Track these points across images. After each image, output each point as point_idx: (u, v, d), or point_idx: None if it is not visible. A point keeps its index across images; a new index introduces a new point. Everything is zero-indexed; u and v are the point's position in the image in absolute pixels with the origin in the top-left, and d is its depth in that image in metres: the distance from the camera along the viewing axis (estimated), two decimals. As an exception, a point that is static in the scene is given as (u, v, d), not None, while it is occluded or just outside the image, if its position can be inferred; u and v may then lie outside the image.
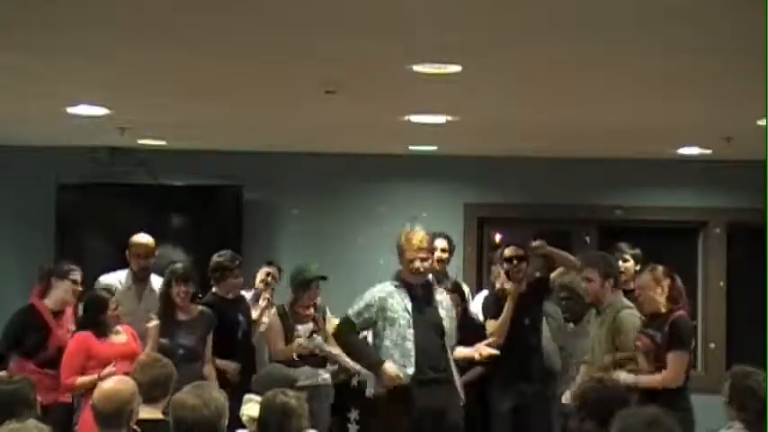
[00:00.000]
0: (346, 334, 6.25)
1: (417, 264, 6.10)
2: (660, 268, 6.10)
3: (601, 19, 4.07)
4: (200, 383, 4.20)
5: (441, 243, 7.13)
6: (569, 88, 5.73)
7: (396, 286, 6.17)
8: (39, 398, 5.96)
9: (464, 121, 6.90)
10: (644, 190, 9.30)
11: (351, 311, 6.20)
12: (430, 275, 6.31)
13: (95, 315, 6.26)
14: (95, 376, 6.04)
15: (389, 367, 6.00)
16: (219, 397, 4.03)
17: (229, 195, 9.07)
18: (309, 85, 5.63)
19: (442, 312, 6.19)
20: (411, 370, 6.00)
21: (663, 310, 6.00)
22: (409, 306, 6.09)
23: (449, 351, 6.20)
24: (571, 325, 7.18)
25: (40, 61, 5.14)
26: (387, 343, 6.07)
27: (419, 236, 6.14)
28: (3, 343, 6.59)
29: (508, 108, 6.56)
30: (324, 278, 6.88)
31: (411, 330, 6.04)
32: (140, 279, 7.18)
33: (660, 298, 6.02)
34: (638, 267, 7.19)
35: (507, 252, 6.95)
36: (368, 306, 6.15)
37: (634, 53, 4.72)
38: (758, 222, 8.81)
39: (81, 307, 6.71)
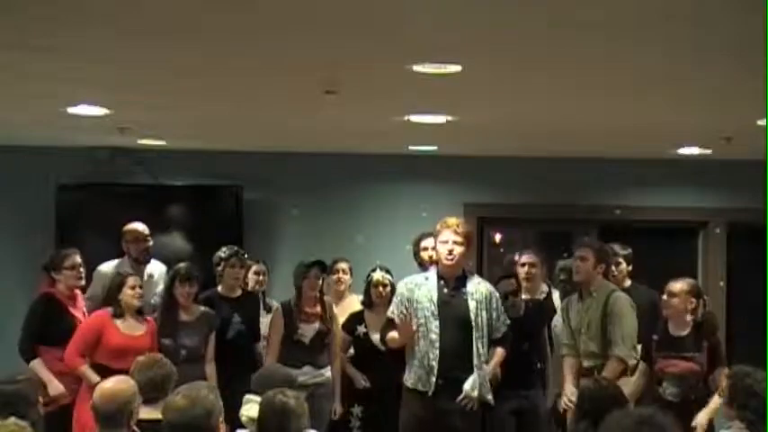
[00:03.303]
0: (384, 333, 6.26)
1: (441, 258, 6.01)
2: (691, 285, 6.18)
3: (601, 19, 4.07)
4: (191, 384, 4.18)
5: (432, 242, 7.05)
6: (569, 88, 5.73)
7: (426, 278, 6.11)
8: (70, 391, 6.04)
9: (464, 121, 6.90)
10: (644, 190, 9.31)
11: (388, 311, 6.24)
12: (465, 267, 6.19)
13: (111, 296, 6.39)
14: (95, 380, 6.08)
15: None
16: (209, 395, 4.01)
17: (229, 195, 9.08)
18: (309, 85, 5.63)
19: (472, 304, 6.01)
20: (431, 382, 5.94)
21: (688, 328, 6.12)
22: (435, 298, 5.99)
23: (476, 346, 5.99)
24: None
25: (40, 61, 5.14)
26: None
27: (444, 223, 6.08)
28: (28, 337, 6.57)
29: (508, 108, 6.56)
30: (322, 263, 6.89)
31: (437, 323, 5.95)
32: (140, 263, 7.21)
33: (688, 311, 6.14)
34: (629, 268, 7.21)
35: (522, 259, 7.04)
36: (399, 298, 6.15)
37: (634, 53, 4.72)
38: (758, 222, 8.81)
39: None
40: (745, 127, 6.76)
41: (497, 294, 6.22)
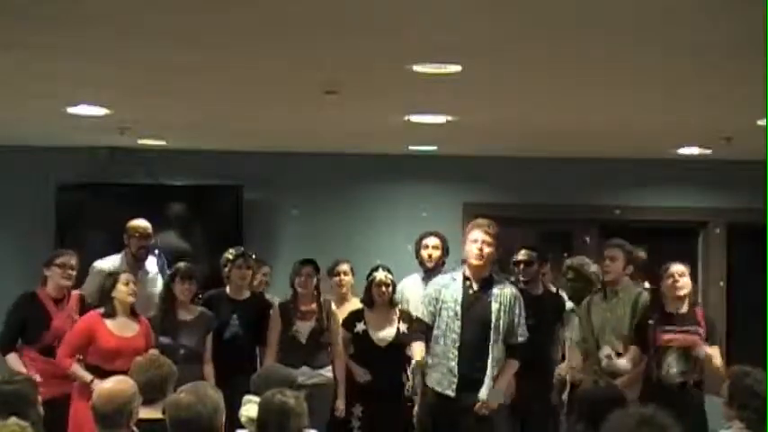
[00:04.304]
0: (414, 334, 6.24)
1: (470, 256, 5.99)
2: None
3: (601, 19, 4.07)
4: (195, 383, 4.20)
5: (432, 241, 7.17)
6: (569, 88, 5.73)
7: (453, 278, 6.08)
8: (43, 391, 6.01)
9: (464, 121, 6.90)
10: (644, 190, 9.31)
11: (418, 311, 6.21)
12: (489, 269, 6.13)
13: (104, 295, 6.33)
14: (88, 377, 6.06)
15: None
16: (214, 395, 4.03)
17: (229, 195, 9.07)
18: (309, 85, 5.63)
19: (495, 306, 5.96)
20: (453, 384, 5.92)
21: (685, 307, 6.20)
22: (460, 298, 5.97)
23: (492, 349, 5.95)
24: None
25: (40, 61, 5.14)
26: (436, 332, 5.99)
27: (475, 223, 6.09)
28: (6, 333, 6.62)
29: (508, 108, 6.56)
30: (314, 262, 6.90)
31: (459, 323, 5.94)
32: (138, 260, 7.20)
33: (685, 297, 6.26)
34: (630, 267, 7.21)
35: (519, 257, 7.08)
36: (427, 298, 6.11)
37: (634, 53, 4.72)
38: (758, 222, 8.81)
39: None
40: (745, 127, 6.76)
41: (521, 300, 6.14)
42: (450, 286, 6.03)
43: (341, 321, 7.00)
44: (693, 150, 8.42)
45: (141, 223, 7.37)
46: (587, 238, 9.39)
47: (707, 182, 9.20)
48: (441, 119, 6.83)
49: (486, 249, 5.96)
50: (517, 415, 6.82)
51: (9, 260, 8.96)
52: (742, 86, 5.42)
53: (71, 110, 6.68)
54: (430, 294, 6.09)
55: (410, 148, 8.75)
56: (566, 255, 8.38)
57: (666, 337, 6.12)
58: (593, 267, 7.10)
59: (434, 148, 8.72)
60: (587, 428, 4.38)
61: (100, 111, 6.72)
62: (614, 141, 8.04)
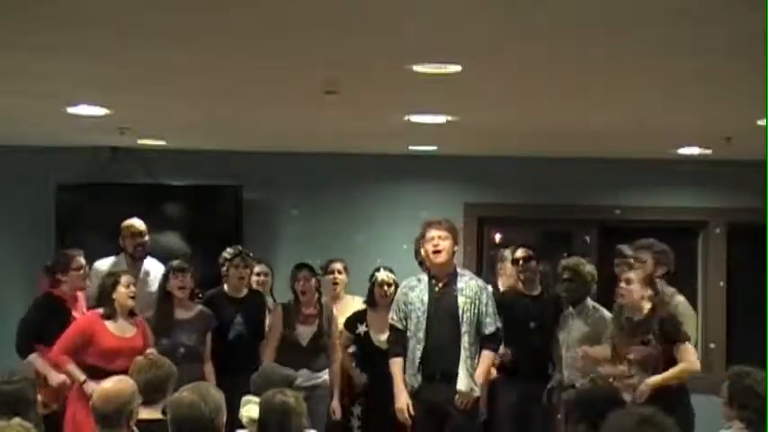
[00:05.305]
0: (391, 346, 6.24)
1: (430, 256, 6.06)
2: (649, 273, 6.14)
3: (601, 19, 4.07)
4: (197, 383, 4.21)
5: None
6: (569, 88, 5.73)
7: (419, 279, 6.16)
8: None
9: (464, 121, 6.90)
10: (644, 190, 9.30)
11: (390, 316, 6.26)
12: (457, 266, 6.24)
13: (104, 295, 6.32)
14: (81, 377, 6.05)
15: (400, 408, 6.06)
16: (216, 394, 4.04)
17: (229, 195, 9.07)
18: (309, 85, 5.63)
19: (461, 300, 6.03)
20: (418, 379, 6.01)
21: (644, 312, 6.01)
22: (426, 298, 6.04)
23: (463, 341, 5.99)
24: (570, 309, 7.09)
25: (40, 61, 5.14)
26: (409, 334, 6.07)
27: (426, 224, 6.14)
28: (25, 334, 6.59)
29: (508, 108, 6.56)
30: (309, 266, 6.89)
31: (425, 321, 6.00)
32: (136, 259, 7.20)
33: (645, 298, 6.05)
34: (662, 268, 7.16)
35: (519, 254, 7.04)
36: (396, 303, 6.20)
37: (634, 53, 4.72)
38: (758, 222, 8.81)
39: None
40: (745, 127, 6.76)
41: (489, 290, 6.26)
42: (417, 288, 6.12)
43: (343, 323, 7.02)
44: (693, 150, 8.41)
45: (134, 222, 7.43)
46: (587, 238, 9.39)
47: (707, 182, 9.19)
48: (441, 119, 6.83)
49: (443, 243, 6.01)
50: (516, 416, 6.82)
51: (9, 260, 8.97)
52: (742, 86, 5.42)
53: (71, 110, 6.68)
54: (398, 300, 6.18)
55: (410, 148, 8.74)
56: (565, 255, 8.39)
57: (625, 349, 6.01)
58: (589, 267, 7.10)
59: (434, 148, 8.72)
60: (588, 429, 4.38)
61: (100, 111, 6.71)
62: (614, 141, 8.04)
